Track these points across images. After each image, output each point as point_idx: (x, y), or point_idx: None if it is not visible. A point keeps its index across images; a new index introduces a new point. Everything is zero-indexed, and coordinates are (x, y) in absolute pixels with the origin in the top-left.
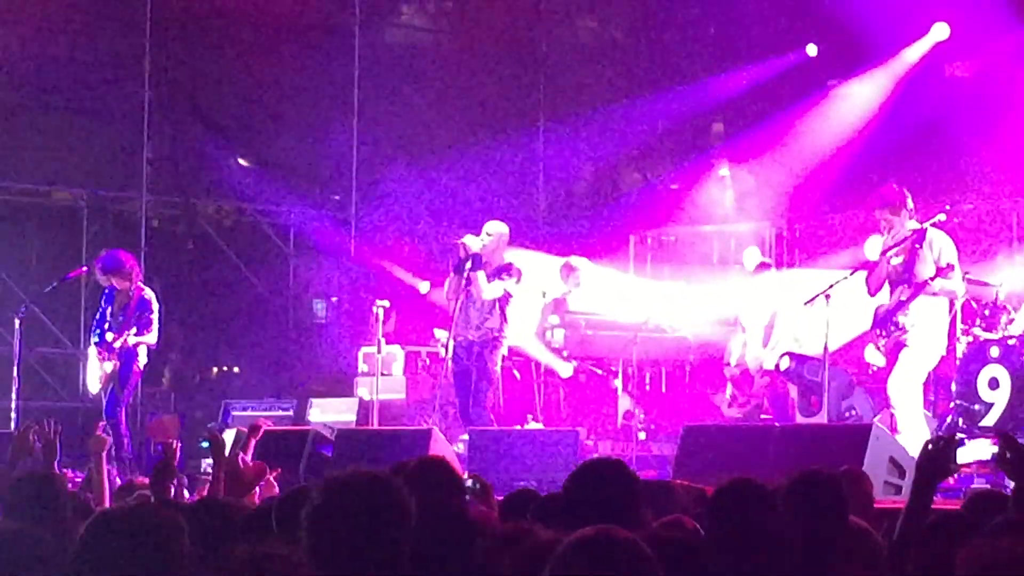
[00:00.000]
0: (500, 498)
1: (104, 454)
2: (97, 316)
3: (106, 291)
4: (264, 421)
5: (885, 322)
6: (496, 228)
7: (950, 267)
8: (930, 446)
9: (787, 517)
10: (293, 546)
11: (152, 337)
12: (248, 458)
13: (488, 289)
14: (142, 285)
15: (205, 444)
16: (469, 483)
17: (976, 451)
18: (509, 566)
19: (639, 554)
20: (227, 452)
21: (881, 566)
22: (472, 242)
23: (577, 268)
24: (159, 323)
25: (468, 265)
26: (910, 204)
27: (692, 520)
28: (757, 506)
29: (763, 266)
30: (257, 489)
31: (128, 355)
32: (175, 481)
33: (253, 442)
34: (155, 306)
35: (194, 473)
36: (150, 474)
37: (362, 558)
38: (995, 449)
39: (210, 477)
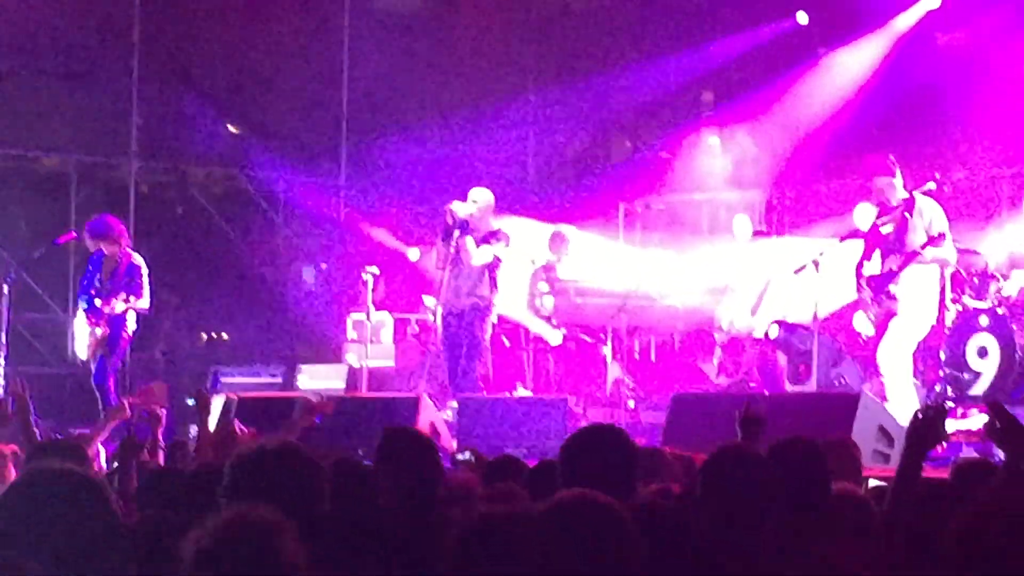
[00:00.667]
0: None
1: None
2: (84, 281)
3: (93, 256)
4: (326, 404)
5: (878, 291)
6: (482, 195)
7: (941, 236)
8: (920, 415)
9: (770, 484)
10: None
11: (144, 302)
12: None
13: (477, 255)
14: (130, 251)
15: (191, 402)
16: (466, 455)
17: (966, 421)
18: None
19: (618, 519)
20: (213, 418)
21: (873, 534)
22: (460, 208)
23: (566, 237)
24: (150, 287)
25: (456, 232)
26: (899, 174)
27: (680, 488)
28: (746, 474)
29: (759, 234)
30: None
31: (117, 321)
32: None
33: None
34: (144, 271)
35: (183, 439)
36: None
37: None
38: (985, 418)
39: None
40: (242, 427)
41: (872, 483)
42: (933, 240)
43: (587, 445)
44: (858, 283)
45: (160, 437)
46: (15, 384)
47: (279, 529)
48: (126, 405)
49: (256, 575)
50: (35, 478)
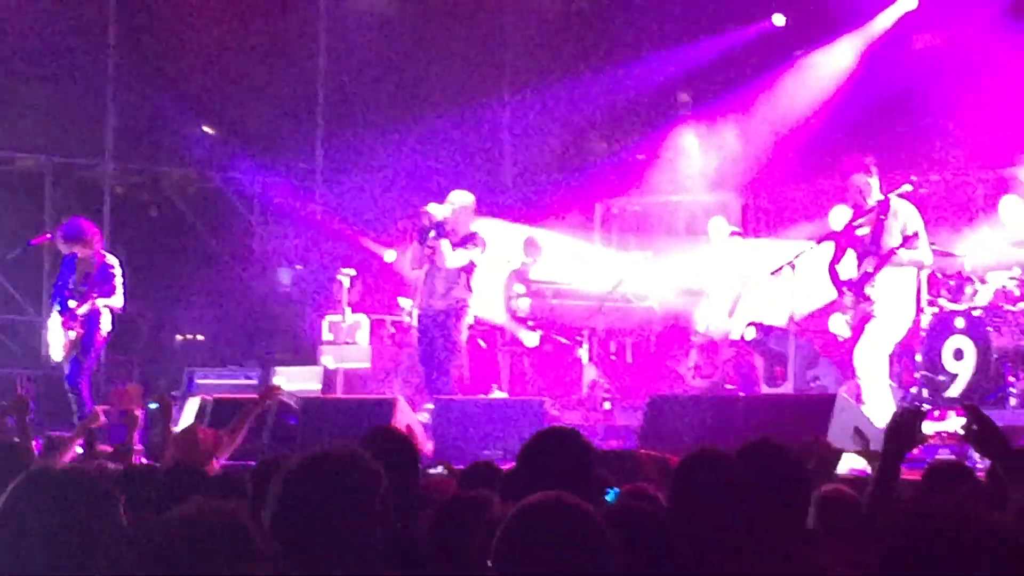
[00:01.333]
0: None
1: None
2: (58, 284)
3: (66, 258)
4: (278, 389)
5: (856, 293)
6: (460, 198)
7: (915, 235)
8: (898, 416)
9: (741, 485)
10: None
11: (118, 300)
12: (243, 429)
13: (452, 258)
14: (104, 252)
15: (153, 406)
16: (439, 469)
17: (943, 423)
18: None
19: (587, 520)
20: (182, 419)
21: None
22: (436, 210)
23: (539, 244)
24: (124, 287)
25: (432, 234)
26: (876, 175)
27: (654, 488)
28: (721, 476)
29: (736, 235)
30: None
31: (91, 321)
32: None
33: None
34: (118, 271)
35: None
36: (114, 443)
37: (330, 537)
38: (961, 420)
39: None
40: (204, 428)
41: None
42: (908, 240)
43: (543, 448)
44: (835, 284)
45: (136, 439)
46: (19, 386)
47: (245, 521)
48: (100, 412)
49: (224, 567)
50: (36, 480)
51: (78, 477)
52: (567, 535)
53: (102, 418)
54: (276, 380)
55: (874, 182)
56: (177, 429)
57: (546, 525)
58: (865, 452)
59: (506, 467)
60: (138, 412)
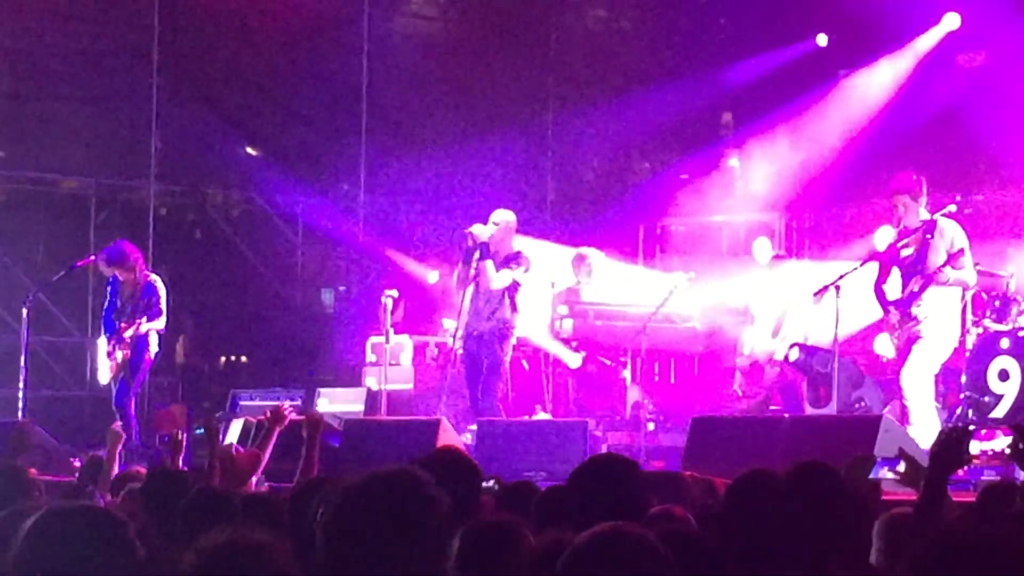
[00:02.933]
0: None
1: (118, 448)
2: (106, 305)
3: (110, 281)
4: (288, 409)
5: (903, 313)
6: (503, 217)
7: (961, 252)
8: (945, 436)
9: (794, 508)
10: (275, 535)
11: (161, 322)
12: (269, 448)
13: (496, 278)
14: (148, 273)
15: (200, 431)
16: (491, 483)
17: (988, 443)
18: None
19: (653, 551)
20: (226, 441)
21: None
22: (480, 231)
23: (589, 259)
24: (168, 308)
25: (476, 255)
26: (925, 193)
27: (685, 510)
28: (772, 498)
29: (779, 258)
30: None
31: (140, 344)
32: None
33: (277, 431)
34: (162, 292)
35: (201, 463)
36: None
37: (382, 560)
38: (1007, 440)
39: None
40: (239, 449)
41: None
42: (952, 257)
43: (597, 475)
44: (882, 304)
45: (180, 462)
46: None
47: (272, 550)
48: (118, 428)
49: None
50: (53, 516)
51: (90, 514)
52: (634, 566)
53: (122, 433)
54: (319, 402)
55: (922, 201)
56: None
57: (616, 556)
58: (907, 475)
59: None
60: (181, 435)
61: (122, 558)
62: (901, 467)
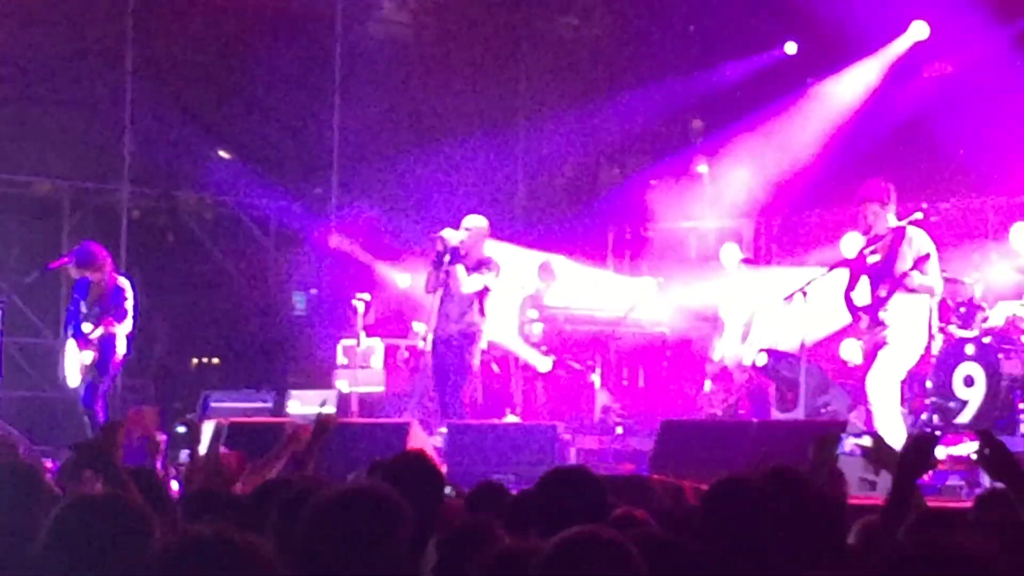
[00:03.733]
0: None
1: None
2: (71, 308)
3: (78, 283)
4: (332, 417)
5: (873, 317)
6: (475, 222)
7: (927, 257)
8: (911, 441)
9: (771, 513)
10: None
11: (127, 325)
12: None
13: (467, 283)
14: (116, 274)
15: (182, 429)
16: (448, 490)
17: (954, 448)
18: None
19: (625, 554)
20: (204, 444)
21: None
22: (451, 236)
23: (553, 269)
24: (134, 310)
25: (447, 259)
26: (893, 201)
27: (650, 513)
28: (749, 504)
29: (746, 262)
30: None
31: (106, 344)
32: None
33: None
34: (129, 294)
35: (174, 464)
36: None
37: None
38: (973, 446)
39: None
40: (226, 452)
41: None
42: (919, 262)
43: (561, 483)
44: (851, 311)
45: (157, 464)
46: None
47: (252, 547)
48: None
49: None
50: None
51: (117, 504)
52: (606, 569)
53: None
54: (291, 404)
55: (890, 208)
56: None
57: (588, 559)
58: (877, 454)
59: (516, 491)
60: (160, 437)
61: (141, 546)
62: (866, 440)
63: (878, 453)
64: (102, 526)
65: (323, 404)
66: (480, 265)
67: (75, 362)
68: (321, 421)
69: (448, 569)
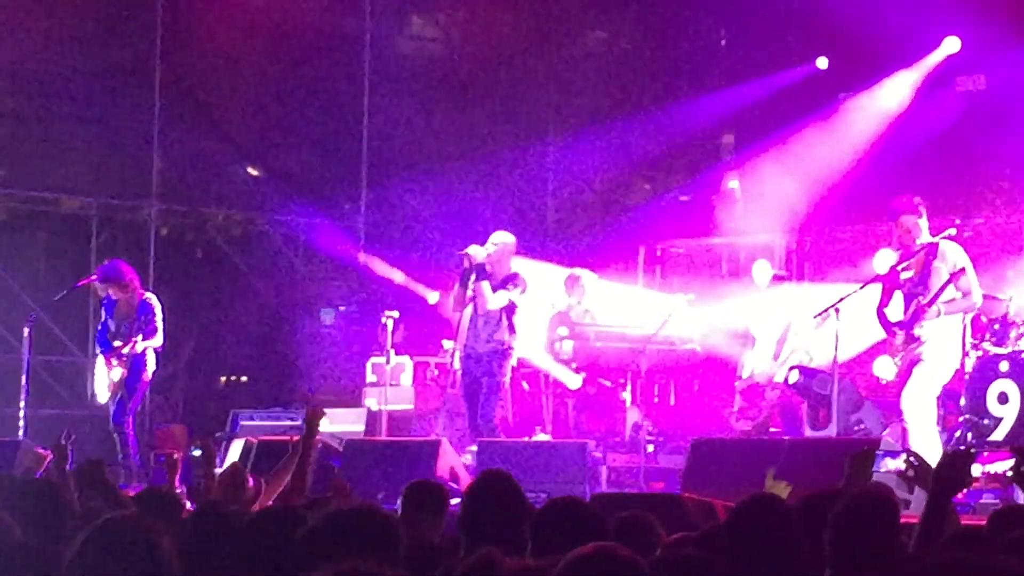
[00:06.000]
0: None
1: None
2: (100, 326)
3: (104, 301)
4: (319, 411)
5: (909, 334)
6: (502, 238)
7: (963, 271)
8: (947, 458)
9: (798, 535)
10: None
11: (158, 340)
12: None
13: (493, 299)
14: (143, 291)
15: (197, 453)
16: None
17: (989, 466)
18: None
19: (638, 570)
20: (225, 462)
21: None
22: (477, 252)
23: (582, 280)
24: (163, 326)
25: (473, 276)
26: (926, 216)
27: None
28: (776, 523)
29: (778, 278)
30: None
31: (137, 362)
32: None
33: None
34: (158, 309)
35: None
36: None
37: None
38: (1008, 463)
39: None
40: (252, 475)
41: None
42: (954, 276)
43: (485, 492)
44: (885, 327)
45: (177, 482)
46: (62, 437)
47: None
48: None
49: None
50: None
51: (138, 528)
52: None
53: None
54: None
55: (923, 223)
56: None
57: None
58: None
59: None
60: (177, 455)
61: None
62: (899, 462)
63: (914, 471)
64: (123, 548)
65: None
66: (506, 282)
67: (104, 379)
68: (310, 417)
69: None
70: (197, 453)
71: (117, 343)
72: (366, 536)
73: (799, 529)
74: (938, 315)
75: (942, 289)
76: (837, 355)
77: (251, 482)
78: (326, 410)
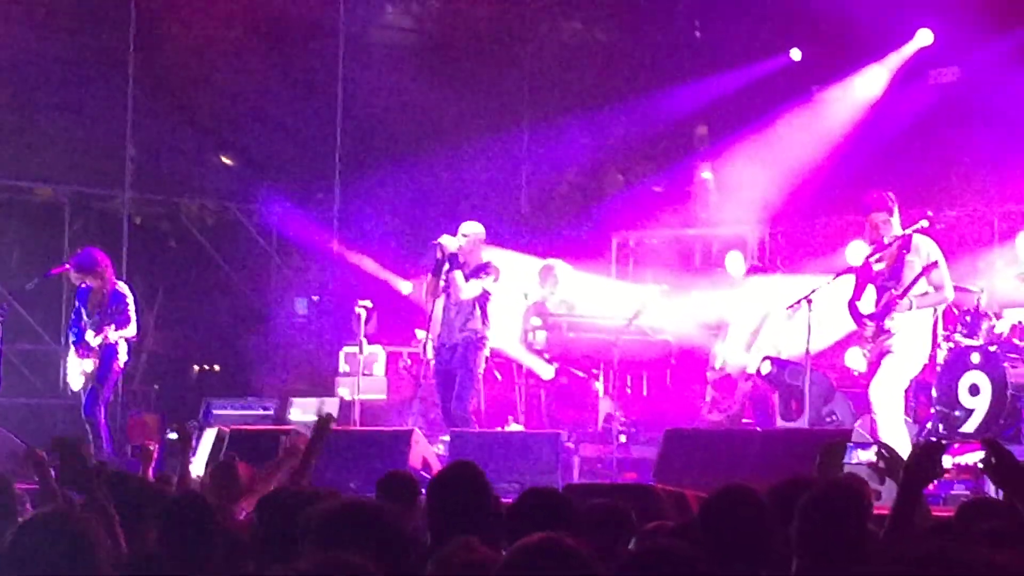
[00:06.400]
0: None
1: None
2: (73, 316)
3: (79, 290)
4: (331, 417)
5: (879, 326)
6: (472, 229)
7: (935, 264)
8: (918, 449)
9: (770, 523)
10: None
11: (131, 330)
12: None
13: (466, 289)
14: (116, 280)
15: (173, 436)
16: None
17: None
18: None
19: (583, 561)
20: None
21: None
22: (449, 243)
23: (555, 269)
24: (136, 316)
25: (445, 266)
26: (897, 211)
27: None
28: (749, 514)
29: (754, 269)
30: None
31: (108, 352)
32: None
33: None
34: (130, 299)
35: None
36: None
37: None
38: (979, 455)
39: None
40: (243, 464)
41: None
42: (927, 269)
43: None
44: (856, 320)
45: (151, 472)
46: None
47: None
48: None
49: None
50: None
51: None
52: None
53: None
54: (292, 411)
55: (894, 220)
56: (194, 459)
57: (545, 565)
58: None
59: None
60: (152, 445)
61: (89, 560)
62: (870, 454)
63: (885, 462)
64: (51, 544)
65: (322, 406)
66: (479, 271)
67: (77, 368)
68: (321, 422)
69: None
70: (173, 436)
71: (90, 333)
72: (359, 530)
73: (772, 519)
74: (910, 308)
75: (914, 282)
76: (809, 347)
77: (247, 471)
78: (296, 400)
